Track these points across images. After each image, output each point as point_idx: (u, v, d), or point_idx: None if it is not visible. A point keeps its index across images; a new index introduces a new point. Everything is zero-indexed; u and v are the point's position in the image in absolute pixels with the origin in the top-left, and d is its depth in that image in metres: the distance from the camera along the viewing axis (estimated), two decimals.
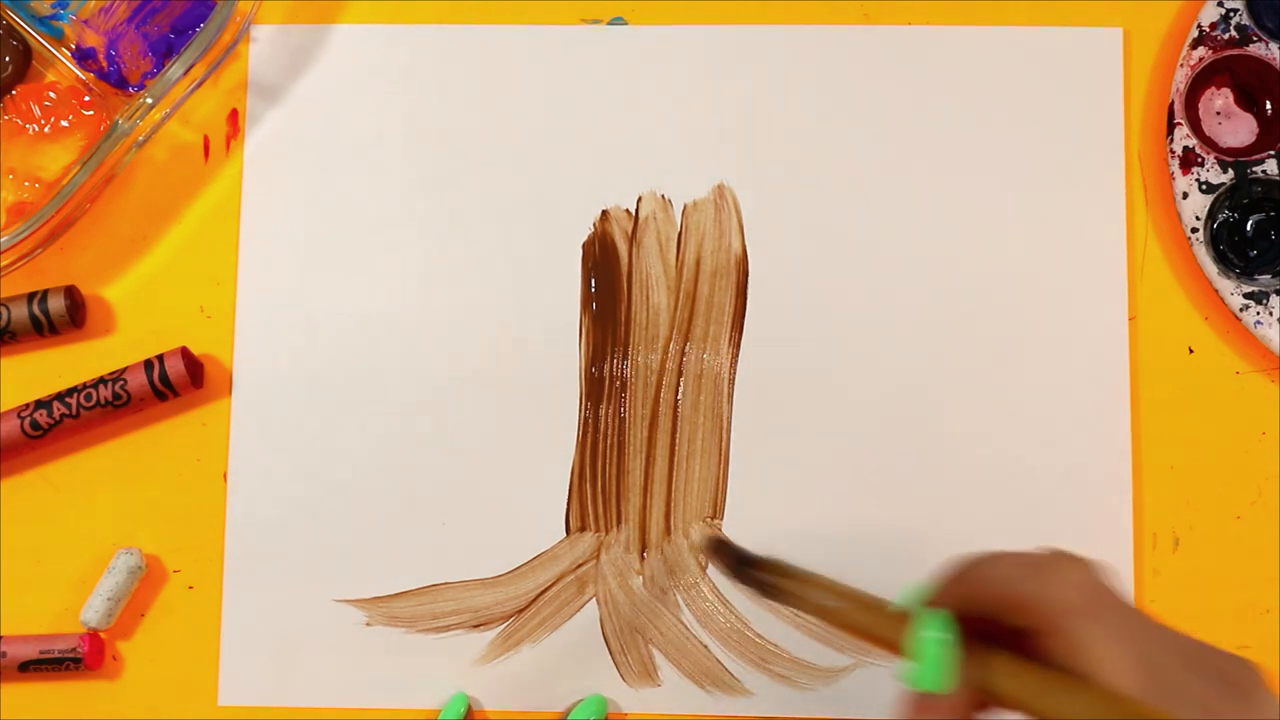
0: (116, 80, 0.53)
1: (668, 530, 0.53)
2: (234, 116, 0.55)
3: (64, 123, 0.53)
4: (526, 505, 0.53)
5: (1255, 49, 0.52)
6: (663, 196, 0.54)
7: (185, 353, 0.53)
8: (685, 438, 0.53)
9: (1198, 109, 0.53)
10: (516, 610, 0.52)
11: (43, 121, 0.53)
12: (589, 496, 0.53)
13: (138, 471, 0.53)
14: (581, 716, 0.50)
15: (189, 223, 0.54)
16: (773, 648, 0.52)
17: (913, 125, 0.54)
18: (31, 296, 0.53)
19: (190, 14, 0.53)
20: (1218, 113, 0.53)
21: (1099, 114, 0.53)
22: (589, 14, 0.55)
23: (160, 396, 0.52)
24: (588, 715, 0.50)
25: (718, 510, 0.53)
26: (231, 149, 0.55)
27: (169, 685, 0.53)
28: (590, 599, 0.52)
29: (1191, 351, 0.53)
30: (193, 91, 0.53)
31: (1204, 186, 0.52)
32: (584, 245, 0.54)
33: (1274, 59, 0.52)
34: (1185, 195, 0.52)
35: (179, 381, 0.52)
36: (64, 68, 0.53)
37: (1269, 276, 0.52)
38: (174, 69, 0.51)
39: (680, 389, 0.53)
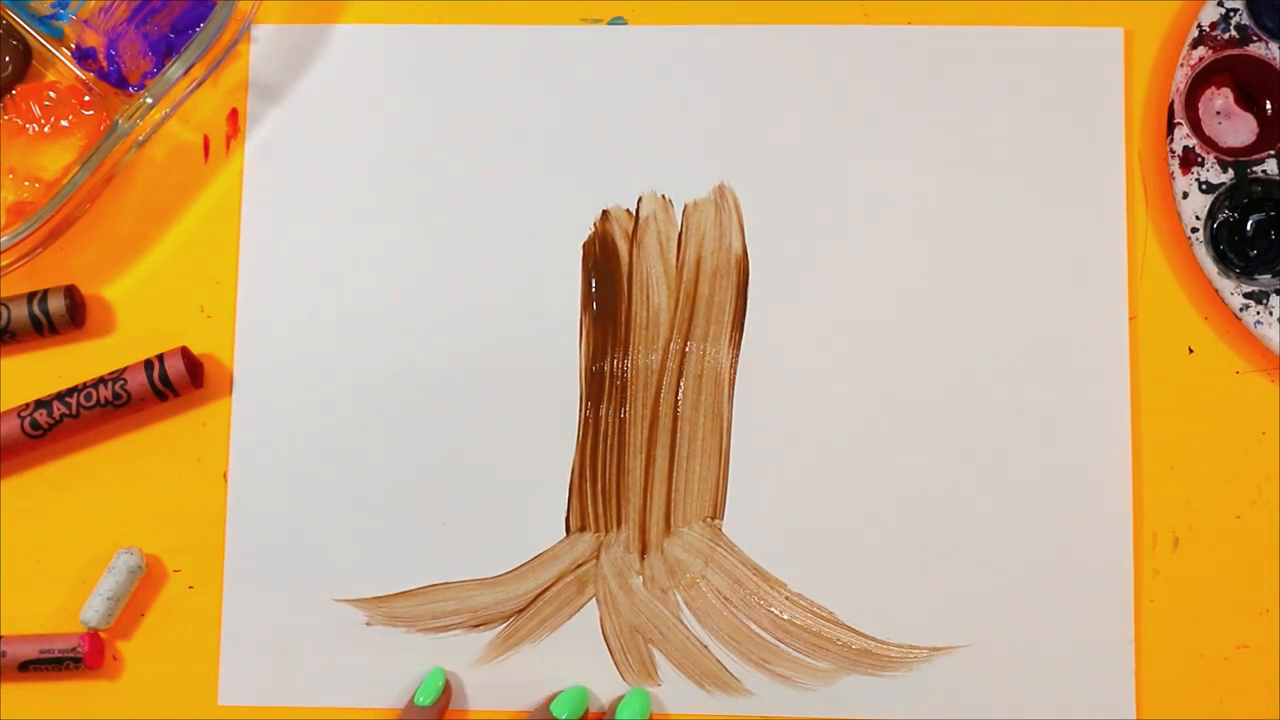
0: (116, 80, 0.53)
1: (668, 530, 0.53)
2: (234, 116, 0.55)
3: (64, 122, 0.53)
4: (526, 505, 0.53)
5: (1255, 49, 0.52)
6: (663, 196, 0.54)
7: (185, 353, 0.53)
8: (685, 438, 0.53)
9: (1198, 109, 0.53)
10: (516, 610, 0.53)
11: (43, 121, 0.53)
12: (589, 496, 0.53)
13: (138, 471, 0.53)
14: (626, 716, 0.50)
15: (189, 223, 0.54)
16: (773, 647, 0.52)
17: (912, 125, 0.54)
18: (31, 296, 0.53)
19: (190, 14, 0.53)
20: (1218, 112, 0.53)
21: (1099, 114, 0.53)
22: (589, 14, 0.55)
23: (160, 396, 0.52)
24: (631, 715, 0.51)
25: (718, 510, 0.53)
26: (231, 149, 0.55)
27: (169, 685, 0.53)
28: (590, 599, 0.52)
29: (1191, 351, 0.53)
30: (193, 91, 0.53)
31: (1204, 186, 0.52)
32: (584, 245, 0.54)
33: (1274, 59, 0.52)
34: (1185, 195, 0.52)
35: (179, 381, 0.52)
36: (64, 67, 0.53)
37: (1269, 276, 0.52)
38: (174, 69, 0.51)
39: (680, 389, 0.53)
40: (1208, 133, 0.53)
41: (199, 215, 0.54)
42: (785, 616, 0.52)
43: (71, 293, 0.53)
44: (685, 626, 0.52)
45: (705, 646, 0.52)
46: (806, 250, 0.53)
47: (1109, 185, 0.53)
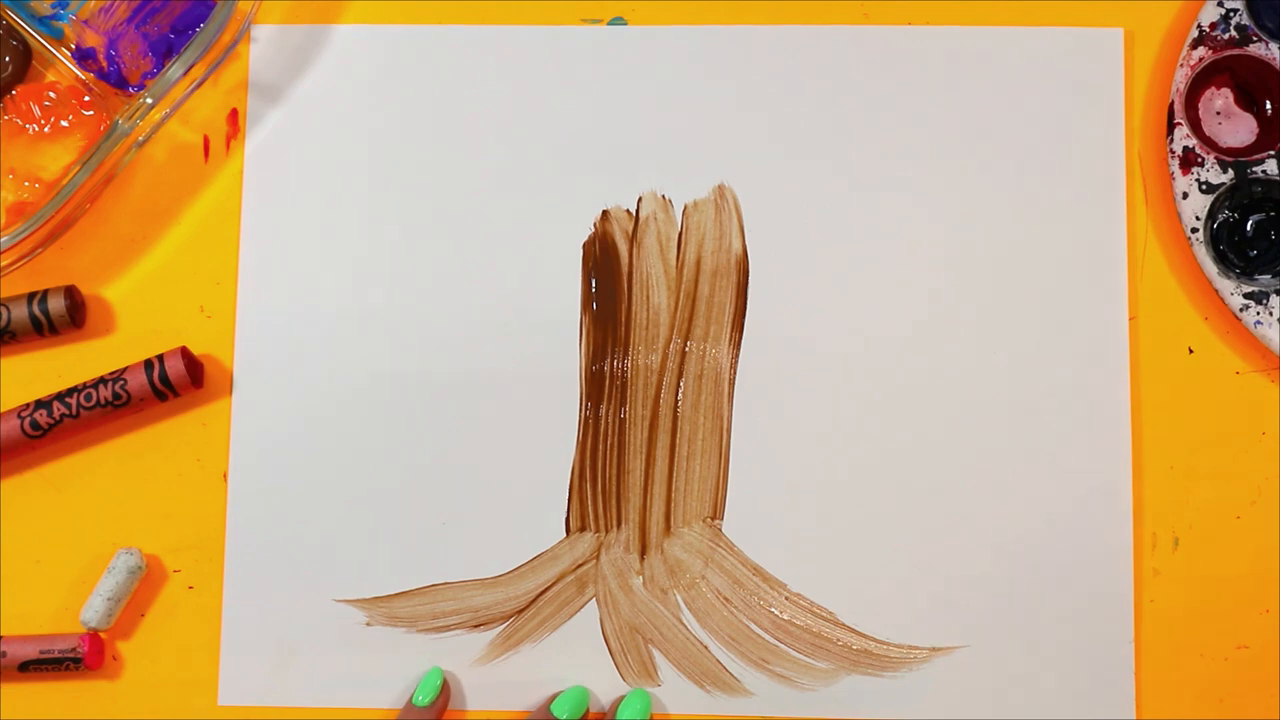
0: (116, 80, 0.53)
1: (668, 530, 0.53)
2: (234, 116, 0.55)
3: (64, 123, 0.53)
4: (526, 505, 0.53)
5: (1255, 49, 0.52)
6: (663, 196, 0.54)
7: (185, 353, 0.53)
8: (685, 438, 0.53)
9: (1198, 109, 0.53)
10: (516, 610, 0.53)
11: (43, 121, 0.53)
12: (589, 496, 0.53)
13: (138, 471, 0.53)
14: (626, 716, 0.51)
15: (189, 223, 0.54)
16: (773, 647, 0.52)
17: (913, 125, 0.54)
18: (31, 296, 0.53)
19: (190, 14, 0.53)
20: (1218, 113, 0.53)
21: (1099, 114, 0.53)
22: (589, 14, 0.55)
23: (160, 396, 0.52)
24: (631, 715, 0.51)
25: (718, 510, 0.53)
26: (231, 149, 0.55)
27: (169, 685, 0.53)
28: (590, 599, 0.52)
29: (1191, 351, 0.53)
30: (193, 91, 0.53)
31: (1204, 186, 0.52)
32: (584, 245, 0.54)
33: (1274, 59, 0.52)
34: (1185, 195, 0.52)
35: (179, 381, 0.52)
36: (64, 68, 0.53)
37: (1269, 276, 0.52)
38: (174, 69, 0.51)
39: (680, 389, 0.53)
40: (1208, 133, 0.53)
41: (199, 215, 0.54)
42: (785, 616, 0.52)
43: (71, 293, 0.53)
44: (685, 627, 0.52)
45: (705, 646, 0.52)
46: (806, 250, 0.53)
47: (1109, 185, 0.53)
